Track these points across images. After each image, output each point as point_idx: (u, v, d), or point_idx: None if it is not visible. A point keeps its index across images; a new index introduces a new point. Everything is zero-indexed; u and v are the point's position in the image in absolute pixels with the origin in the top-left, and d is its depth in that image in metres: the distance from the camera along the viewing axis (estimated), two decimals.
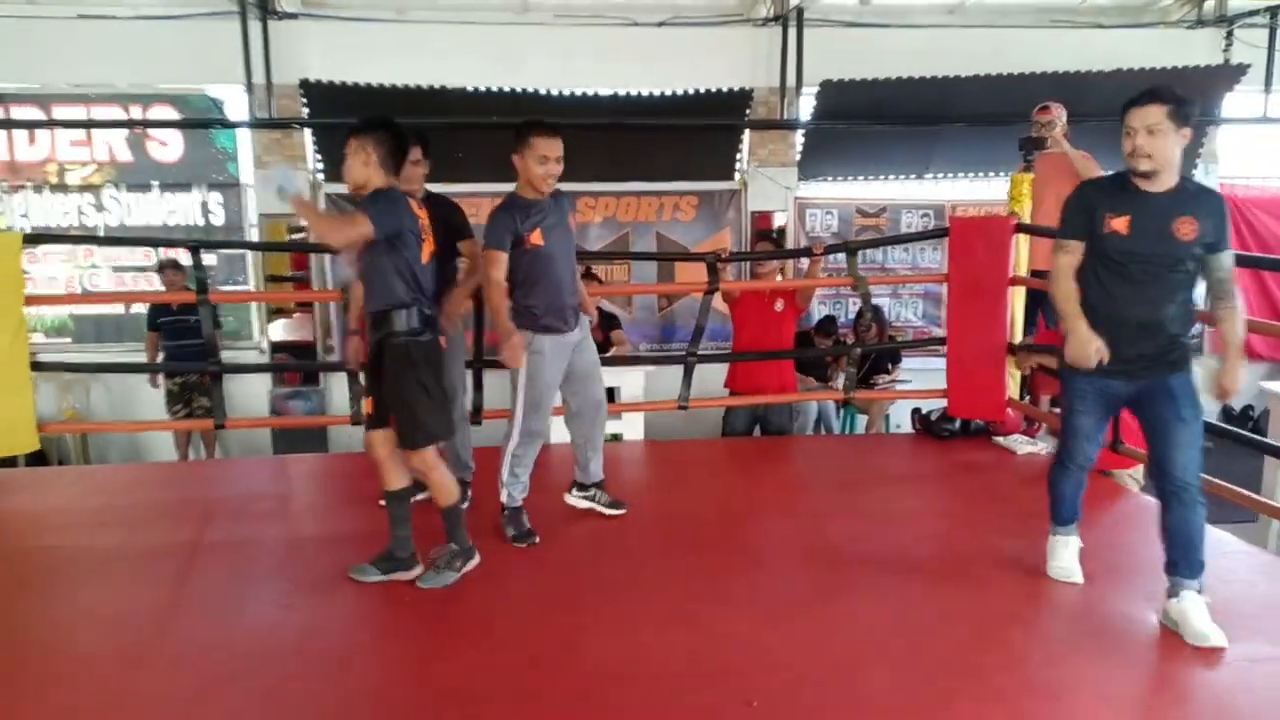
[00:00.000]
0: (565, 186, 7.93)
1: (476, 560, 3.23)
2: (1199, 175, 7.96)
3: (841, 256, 5.52)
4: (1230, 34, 7.73)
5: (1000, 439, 5.03)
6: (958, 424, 5.21)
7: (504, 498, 3.58)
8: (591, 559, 3.48)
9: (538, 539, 3.52)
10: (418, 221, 3.08)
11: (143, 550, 3.62)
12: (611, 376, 5.40)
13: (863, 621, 2.98)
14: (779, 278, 7.87)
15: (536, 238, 3.42)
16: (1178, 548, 2.80)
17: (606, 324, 5.84)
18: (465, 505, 3.42)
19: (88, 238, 7.11)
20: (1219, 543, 3.52)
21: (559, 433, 5.48)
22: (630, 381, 5.77)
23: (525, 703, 2.47)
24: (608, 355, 5.62)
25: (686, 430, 6.05)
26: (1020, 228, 4.90)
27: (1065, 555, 3.25)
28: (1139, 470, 4.52)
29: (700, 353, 5.15)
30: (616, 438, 5.45)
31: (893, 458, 5.02)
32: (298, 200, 3.20)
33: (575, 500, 3.86)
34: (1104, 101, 7.34)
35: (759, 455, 5.17)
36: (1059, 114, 5.36)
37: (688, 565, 3.40)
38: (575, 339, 3.60)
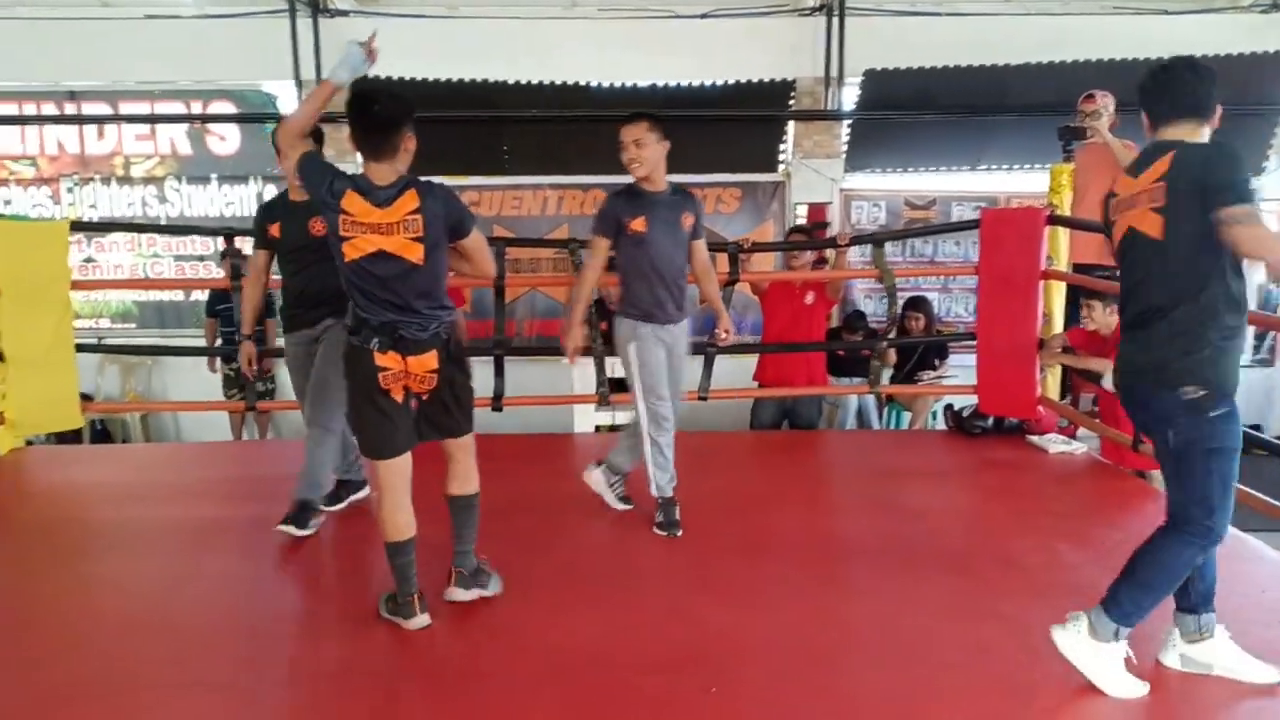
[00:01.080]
0: (607, 180, 7.94)
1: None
2: (1270, 169, 7.60)
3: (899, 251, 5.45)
4: None
5: (1034, 438, 4.90)
6: (990, 421, 5.10)
7: (653, 490, 3.62)
8: (593, 547, 3.52)
9: (680, 532, 3.56)
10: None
11: (175, 523, 3.79)
12: None
13: (854, 616, 2.96)
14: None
15: (639, 225, 3.47)
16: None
17: None
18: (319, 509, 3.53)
19: (130, 226, 7.39)
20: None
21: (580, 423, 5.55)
22: None
23: (487, 680, 2.51)
24: None
25: (716, 422, 6.03)
26: (1055, 219, 4.76)
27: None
28: None
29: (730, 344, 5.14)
30: None
31: (919, 454, 4.94)
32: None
33: (591, 476, 3.85)
34: None
35: (782, 448, 5.14)
36: (1105, 103, 5.16)
37: (690, 555, 3.42)
38: (677, 332, 3.63)
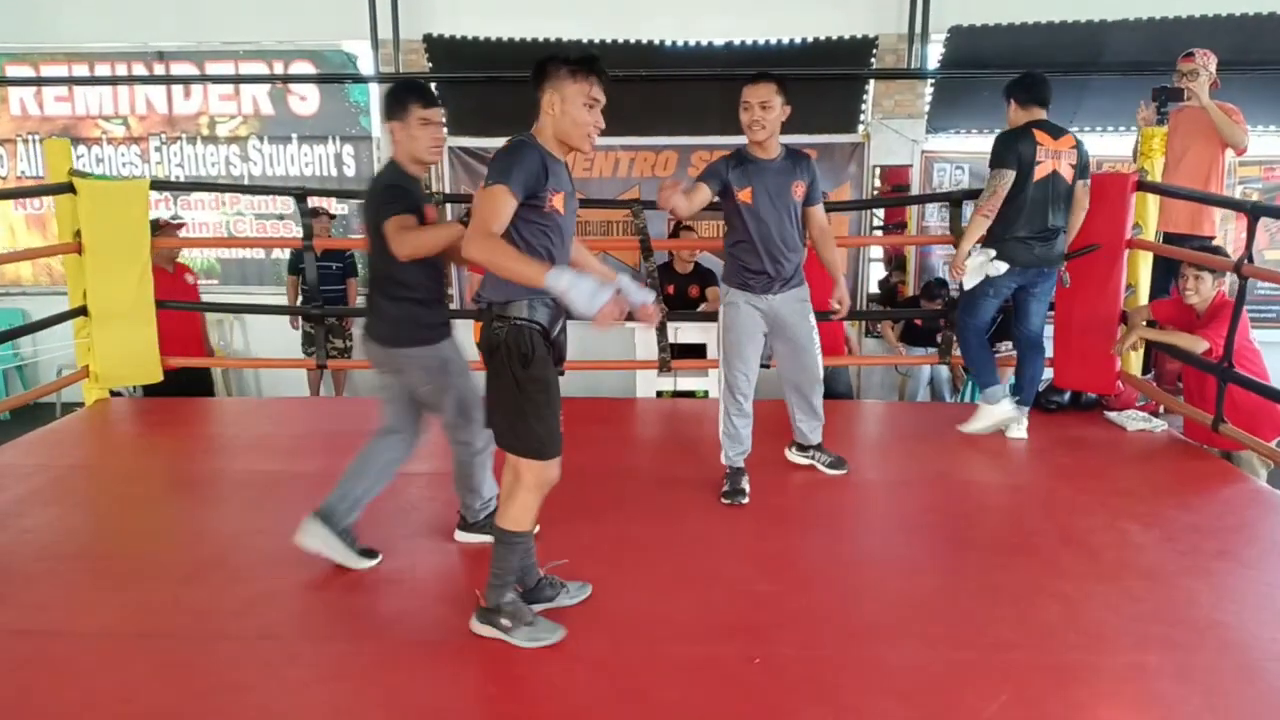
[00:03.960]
0: (681, 140, 7.80)
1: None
2: None
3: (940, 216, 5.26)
4: None
5: (1112, 414, 4.70)
6: (1067, 396, 4.90)
7: (721, 457, 3.64)
8: (646, 514, 3.47)
9: (746, 499, 3.52)
10: None
11: (250, 476, 3.92)
12: (700, 333, 5.38)
13: (908, 591, 2.88)
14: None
15: (745, 196, 3.41)
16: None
17: (704, 281, 5.78)
18: None
19: (206, 185, 7.60)
20: None
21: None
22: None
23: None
24: (700, 310, 5.58)
25: (776, 390, 5.93)
26: (1143, 185, 4.51)
27: None
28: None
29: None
30: (704, 394, 5.43)
31: None
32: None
33: (795, 456, 3.94)
34: (1269, 49, 6.65)
35: (850, 418, 5.01)
36: (1206, 61, 4.85)
37: (744, 526, 3.38)
38: (777, 303, 3.54)
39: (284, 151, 7.62)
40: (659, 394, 5.41)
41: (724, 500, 3.52)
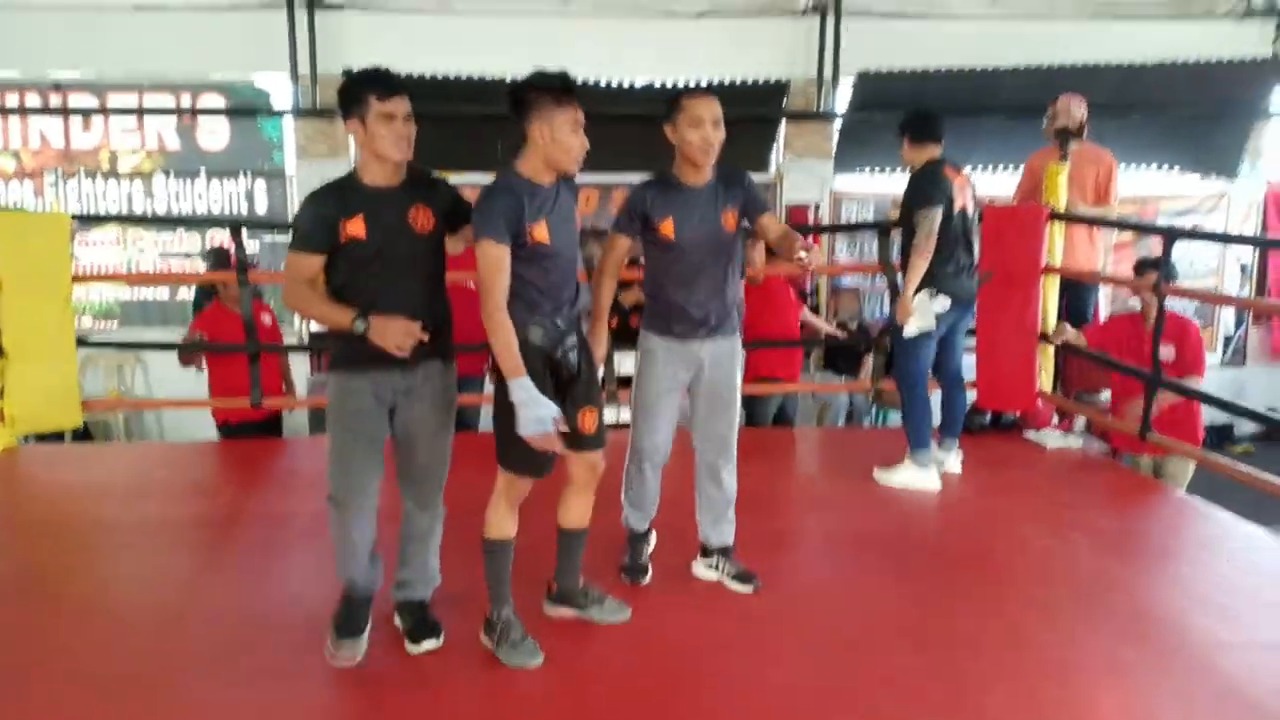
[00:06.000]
0: (600, 178, 7.93)
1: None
2: (1244, 172, 7.81)
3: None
4: None
5: (1031, 433, 5.00)
6: (989, 417, 5.18)
7: (622, 518, 3.18)
8: (610, 545, 3.46)
9: (647, 578, 3.08)
10: None
11: (180, 521, 3.74)
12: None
13: (885, 605, 2.98)
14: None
15: (667, 229, 2.87)
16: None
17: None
18: None
19: (135, 218, 7.34)
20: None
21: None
22: None
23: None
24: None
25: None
26: (1055, 216, 4.86)
27: None
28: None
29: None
30: None
31: None
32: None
33: (701, 570, 3.17)
34: (1148, 93, 7.29)
35: (779, 446, 5.15)
36: (1067, 106, 5.21)
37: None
38: (704, 352, 2.98)
39: (190, 187, 7.37)
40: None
41: (624, 578, 3.07)
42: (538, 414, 2.41)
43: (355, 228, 2.43)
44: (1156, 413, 4.25)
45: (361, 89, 2.44)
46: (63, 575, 3.22)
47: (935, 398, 4.36)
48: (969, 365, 5.08)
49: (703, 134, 2.81)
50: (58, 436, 6.10)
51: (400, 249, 2.49)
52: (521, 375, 2.42)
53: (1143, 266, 4.72)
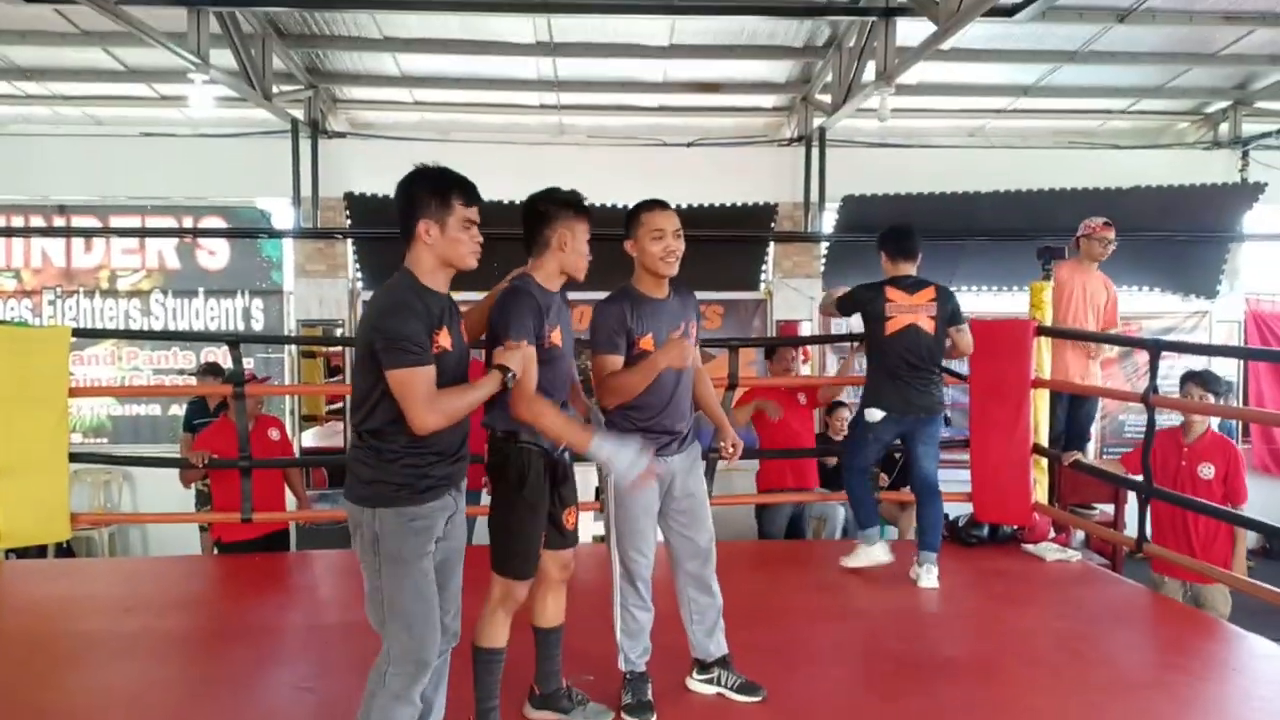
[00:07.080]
0: (597, 295, 8.08)
1: None
2: (1223, 291, 8.01)
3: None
4: (1246, 155, 7.90)
5: (1029, 546, 4.96)
6: (986, 530, 5.15)
7: (620, 661, 2.97)
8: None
9: (653, 718, 2.88)
10: None
11: (166, 635, 3.64)
12: None
13: (886, 714, 2.92)
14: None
15: (648, 344, 2.86)
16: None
17: None
18: None
19: (132, 333, 7.39)
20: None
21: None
22: None
23: None
24: None
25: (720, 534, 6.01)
26: (1042, 330, 4.95)
27: None
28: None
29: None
30: None
31: None
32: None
33: (697, 685, 3.09)
34: (1124, 217, 7.54)
35: (781, 558, 5.10)
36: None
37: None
38: (676, 464, 2.97)
39: (189, 305, 7.46)
40: (595, 539, 5.36)
41: (627, 717, 2.88)
42: (629, 457, 2.45)
43: (444, 339, 2.27)
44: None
45: (449, 191, 2.28)
46: (43, 688, 3.11)
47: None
48: (963, 479, 5.12)
49: (665, 244, 2.85)
50: (40, 551, 5.98)
51: (460, 358, 2.39)
52: (591, 435, 2.49)
53: (1185, 381, 4.56)
